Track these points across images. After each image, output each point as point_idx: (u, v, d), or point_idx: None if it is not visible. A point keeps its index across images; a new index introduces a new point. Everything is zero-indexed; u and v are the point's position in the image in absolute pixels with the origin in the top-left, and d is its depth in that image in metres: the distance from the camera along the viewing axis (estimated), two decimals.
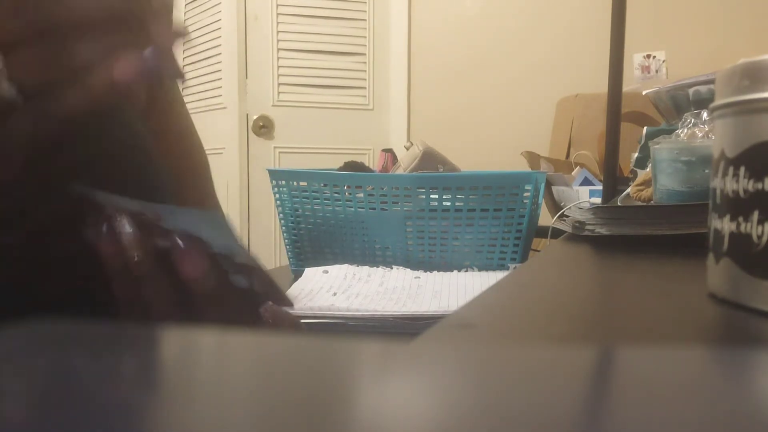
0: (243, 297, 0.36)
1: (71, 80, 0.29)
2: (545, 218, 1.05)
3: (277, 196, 1.01)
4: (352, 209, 0.94)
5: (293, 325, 0.38)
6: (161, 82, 0.35)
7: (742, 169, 0.31)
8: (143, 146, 0.54)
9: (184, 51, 2.70)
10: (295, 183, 0.98)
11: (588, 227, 0.64)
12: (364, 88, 2.58)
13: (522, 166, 1.64)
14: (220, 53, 2.54)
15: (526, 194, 0.93)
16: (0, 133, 0.30)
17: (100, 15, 0.30)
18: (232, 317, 0.36)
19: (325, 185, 0.95)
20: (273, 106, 2.53)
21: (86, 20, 0.29)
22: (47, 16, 0.28)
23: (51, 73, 0.29)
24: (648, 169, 0.77)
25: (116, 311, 0.35)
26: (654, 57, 2.28)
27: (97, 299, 0.36)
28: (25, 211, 0.38)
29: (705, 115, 0.71)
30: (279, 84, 2.52)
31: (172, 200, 0.55)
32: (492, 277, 0.85)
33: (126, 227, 0.34)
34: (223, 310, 0.35)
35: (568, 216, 0.78)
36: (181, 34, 0.32)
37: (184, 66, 2.69)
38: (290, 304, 0.39)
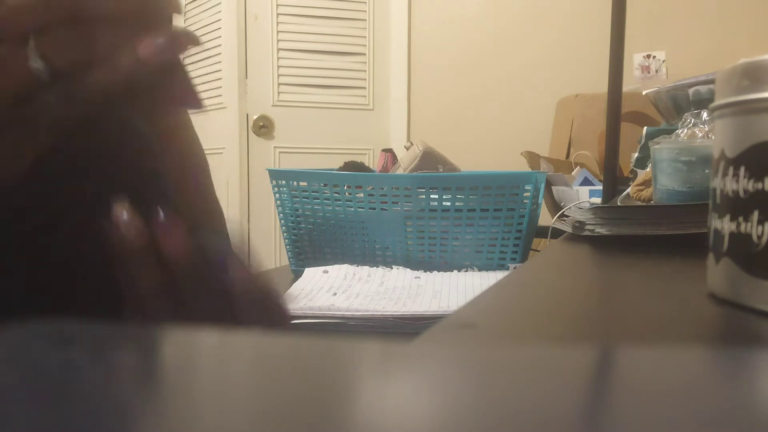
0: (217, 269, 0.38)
1: (97, 62, 0.32)
2: (545, 218, 1.05)
3: (277, 196, 1.01)
4: (352, 209, 0.94)
5: (262, 291, 0.39)
6: (171, 74, 0.38)
7: (742, 169, 0.31)
8: (144, 145, 0.55)
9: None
10: (295, 183, 0.98)
11: (588, 227, 0.64)
12: (364, 88, 2.58)
13: (522, 166, 1.64)
14: (220, 53, 2.54)
15: (526, 194, 0.93)
16: (29, 110, 0.32)
17: (125, 8, 0.33)
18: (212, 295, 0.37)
19: (325, 185, 0.95)
20: (273, 106, 2.53)
21: (113, 11, 0.33)
22: (79, 4, 0.32)
23: (79, 54, 0.32)
24: (648, 169, 0.77)
25: (111, 300, 0.36)
26: (654, 57, 2.28)
27: (96, 293, 0.36)
28: (32, 205, 0.39)
29: (705, 115, 0.71)
30: (279, 84, 2.52)
31: (172, 199, 0.56)
32: (492, 277, 0.85)
33: (124, 215, 0.35)
34: (203, 287, 0.36)
35: (568, 216, 0.78)
36: (193, 41, 0.35)
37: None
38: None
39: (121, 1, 0.33)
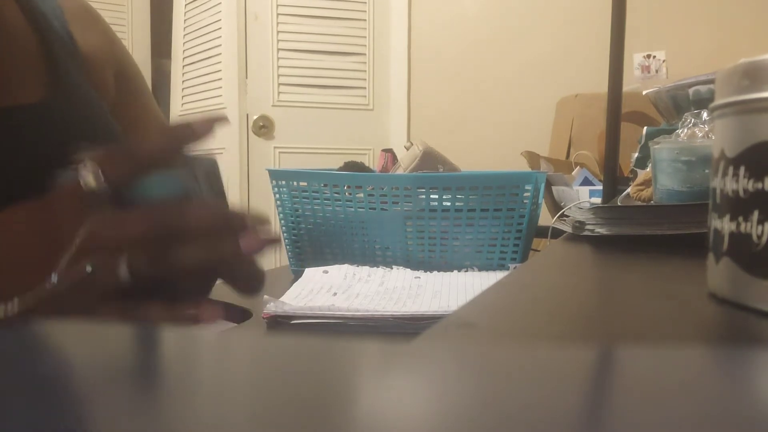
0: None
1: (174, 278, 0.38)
2: (545, 218, 1.05)
3: (277, 196, 1.01)
4: (352, 209, 0.94)
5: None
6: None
7: (742, 169, 0.31)
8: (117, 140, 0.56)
9: (184, 51, 2.70)
10: (295, 183, 0.98)
11: (588, 227, 0.64)
12: (364, 88, 2.58)
13: (522, 166, 1.64)
14: (220, 53, 2.54)
15: (526, 194, 0.93)
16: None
17: (205, 226, 0.38)
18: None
19: (325, 185, 0.95)
20: (273, 106, 2.53)
21: (195, 231, 0.38)
22: (167, 225, 0.37)
23: (160, 268, 0.37)
24: (648, 169, 0.77)
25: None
26: (654, 57, 2.28)
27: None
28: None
29: (705, 115, 0.71)
30: (279, 84, 2.52)
31: None
32: (492, 277, 0.85)
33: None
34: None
35: (568, 216, 0.78)
36: (272, 241, 0.39)
37: (184, 66, 2.69)
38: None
39: (202, 222, 0.38)
